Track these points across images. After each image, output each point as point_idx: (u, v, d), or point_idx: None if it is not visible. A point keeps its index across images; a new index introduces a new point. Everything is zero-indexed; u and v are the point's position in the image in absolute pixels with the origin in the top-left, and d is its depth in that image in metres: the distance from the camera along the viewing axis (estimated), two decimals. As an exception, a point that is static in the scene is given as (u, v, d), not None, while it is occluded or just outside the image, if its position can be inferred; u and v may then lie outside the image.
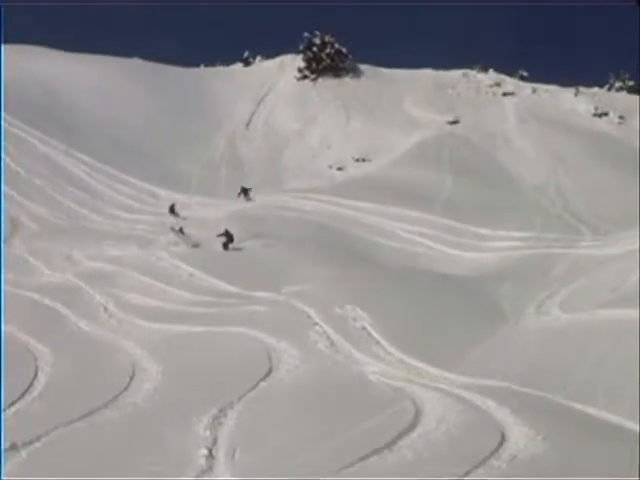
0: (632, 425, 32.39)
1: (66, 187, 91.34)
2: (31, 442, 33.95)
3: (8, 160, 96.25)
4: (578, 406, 34.79)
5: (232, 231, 72.98)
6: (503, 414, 33.59)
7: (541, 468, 28.56)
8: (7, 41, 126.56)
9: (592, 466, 28.53)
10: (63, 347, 47.78)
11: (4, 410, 38.65)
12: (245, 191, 63.66)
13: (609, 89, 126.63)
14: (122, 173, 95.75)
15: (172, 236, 72.63)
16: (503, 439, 30.98)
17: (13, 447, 33.08)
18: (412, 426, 33.04)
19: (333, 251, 68.46)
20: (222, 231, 64.86)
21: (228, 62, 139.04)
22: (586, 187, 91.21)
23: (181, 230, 71.05)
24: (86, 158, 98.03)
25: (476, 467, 28.57)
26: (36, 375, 43.58)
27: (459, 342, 43.69)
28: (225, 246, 63.66)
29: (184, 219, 78.80)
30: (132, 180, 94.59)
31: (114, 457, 32.67)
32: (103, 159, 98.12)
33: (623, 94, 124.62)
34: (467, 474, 28.22)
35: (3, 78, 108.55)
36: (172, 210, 71.33)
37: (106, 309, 55.12)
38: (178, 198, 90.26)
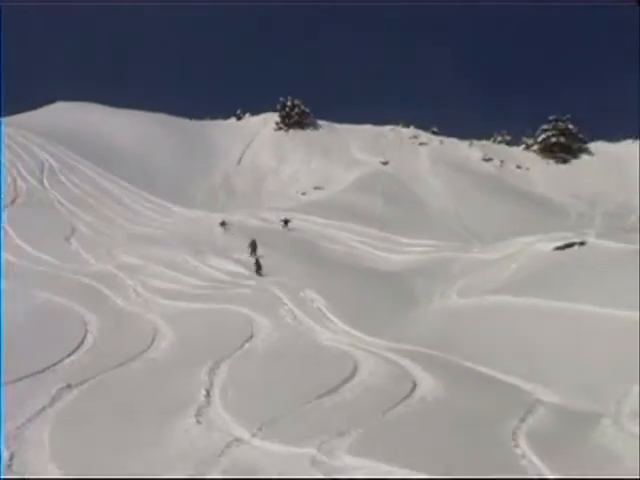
0: (508, 378, 32.65)
1: (109, 203, 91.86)
2: (81, 383, 34.56)
3: (69, 184, 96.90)
4: (470, 364, 35.05)
5: (230, 237, 73.36)
6: (416, 369, 33.87)
7: (442, 406, 28.86)
8: (69, 99, 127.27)
9: (477, 405, 28.76)
10: (105, 316, 48.29)
11: (63, 360, 39.22)
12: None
13: (493, 142, 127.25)
14: (148, 194, 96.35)
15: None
16: (415, 386, 31.35)
17: (69, 386, 33.79)
18: (352, 376, 33.39)
19: (298, 252, 68.81)
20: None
21: (225, 117, 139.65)
22: (476, 211, 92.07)
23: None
24: (123, 183, 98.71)
25: (397, 404, 28.98)
26: (86, 336, 44.05)
27: (386, 318, 43.99)
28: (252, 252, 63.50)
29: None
30: (154, 199, 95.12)
31: (140, 395, 32.99)
32: (135, 183, 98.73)
33: (502, 145, 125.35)
34: (390, 409, 28.53)
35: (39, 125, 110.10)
36: (222, 223, 71.22)
37: (135, 290, 55.53)
38: (186, 213, 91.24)
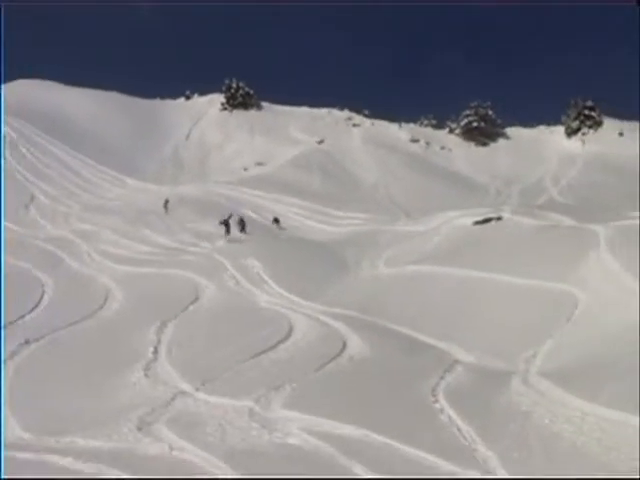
0: (429, 340, 32.88)
1: (66, 174, 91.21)
2: (38, 339, 34.77)
3: (29, 156, 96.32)
4: (394, 327, 35.23)
5: (177, 208, 73.10)
6: (345, 331, 33.99)
7: (368, 365, 29.03)
8: (27, 76, 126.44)
9: (401, 364, 28.95)
10: (61, 278, 48.38)
11: (22, 318, 39.30)
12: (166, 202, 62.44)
13: (420, 125, 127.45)
14: (103, 166, 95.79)
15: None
16: (345, 346, 31.48)
17: (27, 342, 34.12)
18: (287, 336, 33.50)
19: (240, 221, 68.68)
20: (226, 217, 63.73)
21: (175, 97, 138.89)
22: (404, 187, 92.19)
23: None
24: (80, 156, 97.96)
25: (328, 362, 29.13)
26: (43, 296, 44.21)
27: (320, 283, 44.04)
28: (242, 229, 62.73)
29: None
30: (109, 171, 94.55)
31: (93, 350, 33.14)
32: (91, 157, 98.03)
33: (429, 128, 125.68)
34: (321, 367, 28.67)
35: (3, 101, 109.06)
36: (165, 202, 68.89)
37: (90, 255, 55.43)
38: (139, 185, 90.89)
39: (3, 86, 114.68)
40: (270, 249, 53.33)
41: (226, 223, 54.23)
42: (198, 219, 68.55)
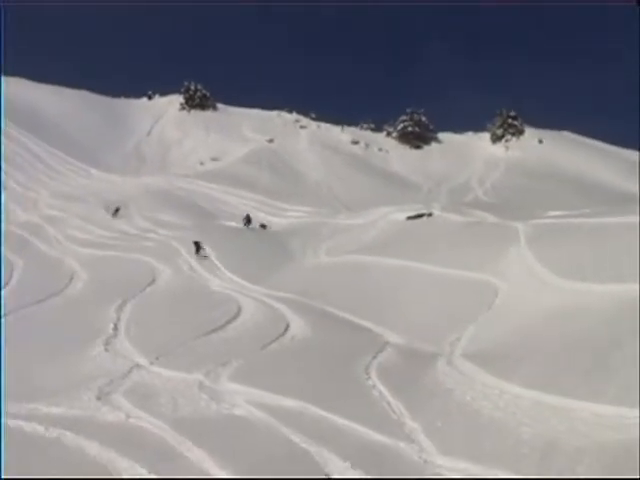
0: (363, 322, 32.98)
1: (36, 164, 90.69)
2: (9, 313, 35.12)
3: (2, 146, 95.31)
4: (333, 310, 35.32)
5: (138, 198, 72.91)
6: (289, 313, 34.06)
7: (309, 344, 29.07)
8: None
9: (338, 344, 29.02)
10: (30, 260, 48.32)
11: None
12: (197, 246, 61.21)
13: (360, 128, 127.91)
14: (71, 158, 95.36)
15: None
16: (288, 327, 31.56)
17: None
18: (235, 317, 33.52)
19: (195, 211, 68.66)
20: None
21: (139, 96, 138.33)
22: (345, 184, 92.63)
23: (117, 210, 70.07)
24: (50, 148, 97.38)
25: (272, 341, 29.20)
26: (12, 275, 43.97)
27: (267, 270, 44.10)
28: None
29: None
30: (76, 163, 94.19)
31: (58, 325, 33.12)
32: (60, 149, 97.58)
33: (368, 132, 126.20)
34: (266, 345, 28.71)
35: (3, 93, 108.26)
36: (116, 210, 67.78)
37: (56, 239, 55.33)
38: (103, 176, 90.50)
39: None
40: (221, 237, 53.25)
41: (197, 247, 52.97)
42: (157, 208, 68.41)
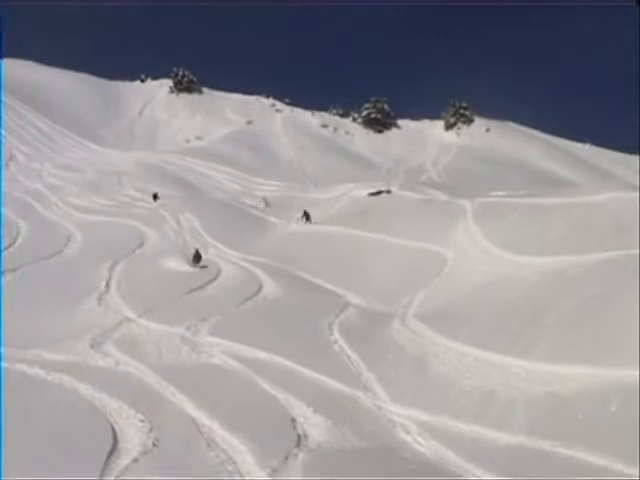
0: (328, 285, 33.10)
1: (40, 138, 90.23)
2: (15, 269, 34.67)
3: (10, 122, 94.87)
4: (302, 274, 35.37)
5: (130, 170, 72.68)
6: (262, 275, 34.06)
7: (279, 303, 29.11)
8: (8, 56, 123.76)
9: (305, 303, 29.07)
10: (33, 223, 48.01)
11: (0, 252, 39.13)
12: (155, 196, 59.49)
13: (329, 114, 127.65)
14: (71, 133, 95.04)
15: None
16: (261, 287, 31.58)
17: (6, 270, 34.24)
18: (215, 278, 33.53)
19: (181, 183, 68.43)
20: None
21: (133, 79, 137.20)
22: (314, 163, 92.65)
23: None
24: (53, 124, 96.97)
25: (247, 300, 29.19)
26: (18, 236, 43.84)
27: (243, 237, 43.99)
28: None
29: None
30: (76, 137, 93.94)
31: (57, 282, 32.82)
32: (62, 125, 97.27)
33: (336, 117, 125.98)
34: (242, 303, 28.77)
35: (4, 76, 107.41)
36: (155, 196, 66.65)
37: (57, 205, 54.95)
38: (99, 149, 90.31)
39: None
40: (204, 207, 53.05)
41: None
42: (147, 180, 68.11)
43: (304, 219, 46.89)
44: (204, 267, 35.97)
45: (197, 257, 36.57)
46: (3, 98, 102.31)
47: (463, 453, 15.30)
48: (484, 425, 16.76)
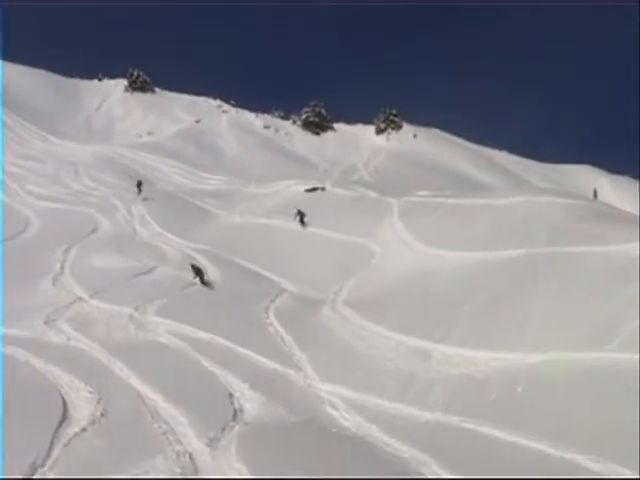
0: (265, 273, 33.10)
1: (8, 133, 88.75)
2: None
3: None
4: (241, 261, 35.32)
5: (86, 162, 71.83)
6: (205, 262, 33.92)
7: (220, 287, 29.02)
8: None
9: (244, 288, 29.07)
10: None
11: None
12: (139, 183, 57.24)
13: (271, 116, 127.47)
14: (32, 125, 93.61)
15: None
16: (204, 273, 31.48)
17: None
18: (163, 262, 33.40)
19: (132, 175, 67.74)
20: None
21: (90, 77, 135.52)
22: (256, 161, 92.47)
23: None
24: (15, 117, 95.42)
25: (190, 285, 29.00)
26: (-23, 220, 43.11)
27: (188, 226, 43.64)
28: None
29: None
30: (36, 130, 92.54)
31: (15, 264, 32.14)
32: (23, 118, 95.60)
33: (278, 119, 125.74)
34: (185, 287, 28.63)
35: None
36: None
37: (17, 191, 53.94)
38: (57, 141, 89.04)
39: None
40: (153, 199, 52.57)
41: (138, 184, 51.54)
42: (101, 171, 67.44)
43: (298, 219, 41.42)
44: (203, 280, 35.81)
45: (198, 273, 30.24)
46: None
47: (385, 428, 15.44)
48: (405, 403, 16.94)
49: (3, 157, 68.61)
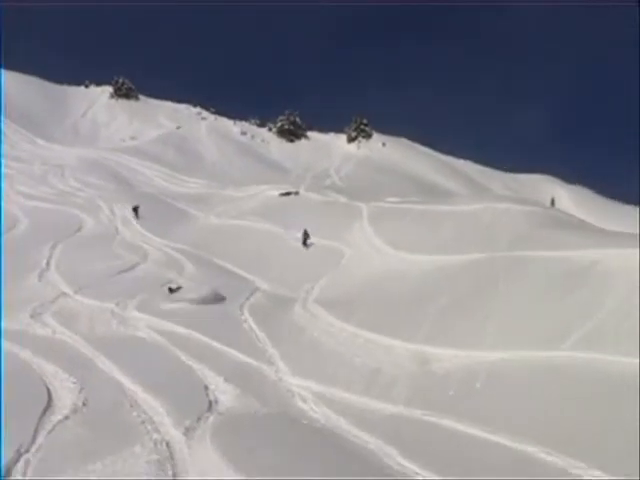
0: (240, 272, 33.09)
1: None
2: None
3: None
4: (218, 261, 35.31)
5: (73, 164, 71.52)
6: (184, 260, 34.06)
7: (198, 283, 28.93)
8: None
9: (222, 285, 29.05)
10: None
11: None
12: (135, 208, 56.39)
13: (249, 123, 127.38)
14: (22, 129, 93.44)
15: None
16: (183, 270, 31.60)
17: None
18: (143, 261, 33.47)
19: (118, 177, 67.71)
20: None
21: (78, 84, 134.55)
22: (233, 165, 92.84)
23: None
24: (6, 120, 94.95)
25: (169, 281, 28.90)
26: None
27: (168, 227, 43.58)
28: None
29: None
30: (26, 133, 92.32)
31: (3, 257, 31.97)
32: (13, 121, 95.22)
33: (255, 126, 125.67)
34: (165, 284, 28.51)
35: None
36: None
37: (6, 192, 53.57)
38: (45, 144, 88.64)
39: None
40: (137, 201, 52.29)
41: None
42: (86, 173, 67.37)
43: (303, 238, 37.39)
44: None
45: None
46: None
47: (352, 420, 15.50)
48: (371, 397, 17.01)
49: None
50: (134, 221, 38.90)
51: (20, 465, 11.48)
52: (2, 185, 54.64)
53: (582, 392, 15.69)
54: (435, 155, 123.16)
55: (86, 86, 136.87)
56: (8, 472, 11.18)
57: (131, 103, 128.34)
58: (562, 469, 12.98)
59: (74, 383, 16.24)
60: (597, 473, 12.66)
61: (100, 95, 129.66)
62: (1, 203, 47.58)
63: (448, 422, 15.20)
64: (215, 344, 20.88)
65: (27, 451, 12.05)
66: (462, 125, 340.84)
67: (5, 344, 19.26)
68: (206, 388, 16.98)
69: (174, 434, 13.58)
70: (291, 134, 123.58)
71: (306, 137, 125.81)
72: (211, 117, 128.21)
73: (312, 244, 36.75)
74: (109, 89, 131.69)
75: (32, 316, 23.18)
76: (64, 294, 26.58)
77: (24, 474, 11.22)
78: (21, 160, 72.75)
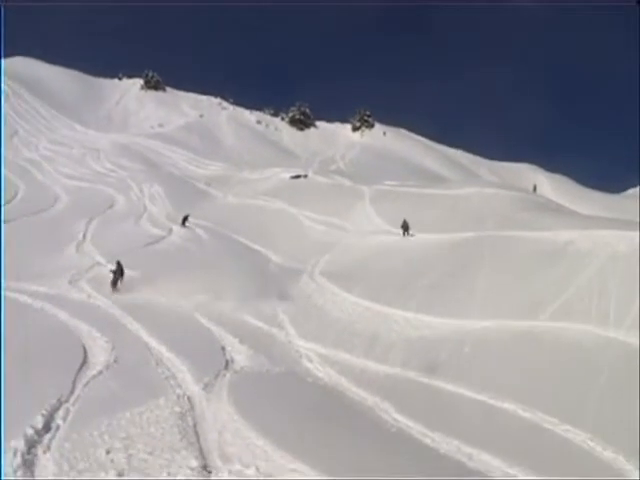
0: (255, 246, 33.00)
1: (38, 119, 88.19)
2: (12, 220, 34.16)
3: (17, 106, 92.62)
4: (235, 236, 35.20)
5: (106, 148, 71.47)
6: (205, 235, 34.14)
7: (216, 256, 28.95)
8: (16, 54, 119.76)
9: (239, 258, 29.06)
10: (29, 185, 47.44)
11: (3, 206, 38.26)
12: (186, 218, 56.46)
13: (263, 113, 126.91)
14: (62, 116, 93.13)
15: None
16: (202, 243, 31.70)
17: (6, 220, 34.22)
18: (167, 235, 33.45)
19: (146, 160, 67.47)
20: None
21: (112, 77, 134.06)
22: (249, 151, 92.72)
23: None
24: (49, 109, 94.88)
25: (193, 253, 28.93)
26: (17, 194, 43.17)
27: (191, 205, 43.46)
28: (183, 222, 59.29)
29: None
30: (66, 120, 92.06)
31: (46, 231, 32.50)
32: (55, 109, 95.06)
33: (269, 116, 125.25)
34: (188, 256, 28.58)
35: (3, 71, 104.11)
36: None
37: (49, 172, 53.87)
38: (83, 130, 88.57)
39: (4, 61, 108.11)
40: (166, 181, 52.55)
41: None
42: (119, 156, 67.30)
43: (403, 230, 31.25)
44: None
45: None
46: (14, 87, 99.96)
47: (352, 379, 15.54)
48: (370, 359, 17.07)
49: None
50: (179, 227, 37.91)
51: (61, 412, 11.57)
52: (2, 170, 54.44)
53: (557, 357, 15.98)
54: (430, 144, 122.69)
55: (119, 78, 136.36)
56: (51, 418, 11.29)
57: (159, 94, 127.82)
58: (536, 424, 13.19)
59: (106, 342, 16.27)
60: (567, 427, 12.91)
61: (131, 87, 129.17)
62: (1, 183, 47.87)
63: (439, 382, 15.28)
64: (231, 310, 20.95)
65: (67, 401, 12.11)
66: (456, 117, 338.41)
67: (46, 306, 19.41)
68: (223, 349, 17.01)
69: (194, 389, 13.61)
70: (301, 123, 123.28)
71: (315, 126, 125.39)
72: (230, 107, 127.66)
73: (413, 235, 31.05)
74: (140, 81, 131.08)
75: (70, 282, 23.28)
76: (98, 263, 26.66)
77: (65, 419, 11.33)
78: (61, 144, 72.95)
